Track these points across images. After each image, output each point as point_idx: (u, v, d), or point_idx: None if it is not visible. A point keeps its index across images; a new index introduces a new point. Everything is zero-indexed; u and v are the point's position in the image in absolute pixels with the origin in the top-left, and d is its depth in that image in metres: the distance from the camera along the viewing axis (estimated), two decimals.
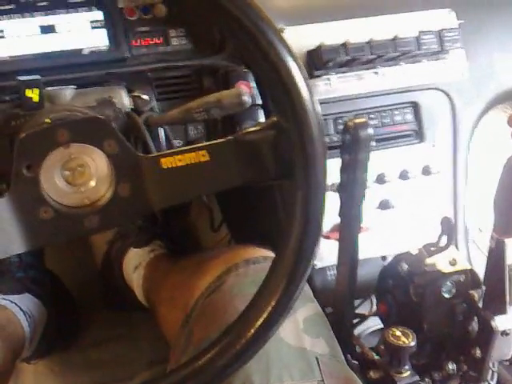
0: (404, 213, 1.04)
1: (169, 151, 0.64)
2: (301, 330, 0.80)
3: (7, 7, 0.90)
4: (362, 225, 0.85)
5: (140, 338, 1.34)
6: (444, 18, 1.04)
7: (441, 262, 0.88)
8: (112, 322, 1.38)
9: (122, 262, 1.34)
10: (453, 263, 0.88)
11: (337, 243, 0.89)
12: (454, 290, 0.88)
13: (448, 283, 0.87)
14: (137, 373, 1.19)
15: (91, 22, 0.93)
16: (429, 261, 0.88)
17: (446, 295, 0.87)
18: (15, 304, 1.15)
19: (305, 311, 0.83)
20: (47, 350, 1.28)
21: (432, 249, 0.87)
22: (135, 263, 1.29)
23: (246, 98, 0.78)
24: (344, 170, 0.78)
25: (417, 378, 0.85)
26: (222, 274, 0.89)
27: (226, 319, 0.70)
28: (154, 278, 1.23)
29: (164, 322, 1.08)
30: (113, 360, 1.32)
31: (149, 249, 1.31)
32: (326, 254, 0.95)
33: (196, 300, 0.88)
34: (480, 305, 0.88)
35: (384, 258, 1.04)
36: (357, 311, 1.02)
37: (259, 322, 0.65)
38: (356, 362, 0.92)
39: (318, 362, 0.77)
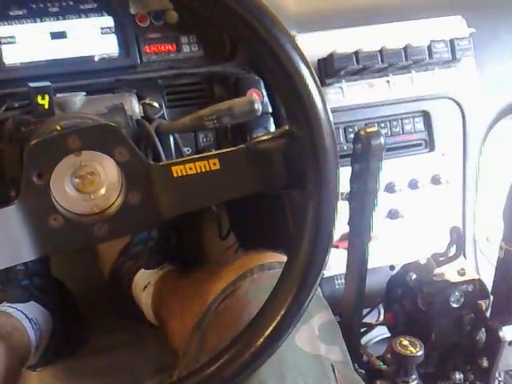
0: (413, 222, 1.04)
1: (180, 159, 0.64)
2: (316, 336, 0.80)
3: (18, 13, 0.90)
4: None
5: (146, 345, 1.33)
6: (455, 26, 1.04)
7: (449, 272, 0.88)
8: (118, 329, 1.37)
9: (131, 282, 1.33)
10: (461, 273, 0.88)
11: (345, 252, 0.89)
12: (462, 300, 0.88)
13: (456, 293, 0.88)
14: (142, 381, 1.19)
15: (102, 28, 0.93)
16: (437, 270, 0.88)
17: (454, 305, 0.88)
18: (21, 312, 1.15)
19: (320, 318, 0.82)
20: (53, 357, 1.28)
21: (441, 259, 0.88)
22: (144, 283, 1.28)
23: (258, 107, 0.78)
24: (354, 179, 0.79)
25: None
26: (236, 279, 0.87)
27: (240, 326, 0.69)
28: (163, 293, 1.22)
29: (174, 333, 1.07)
30: (118, 368, 1.31)
31: (158, 268, 1.30)
32: (335, 263, 0.95)
33: (209, 305, 0.87)
34: (488, 315, 0.89)
35: (392, 267, 1.04)
36: (364, 320, 1.02)
37: (269, 331, 0.65)
38: (363, 371, 0.92)
39: (333, 369, 0.77)
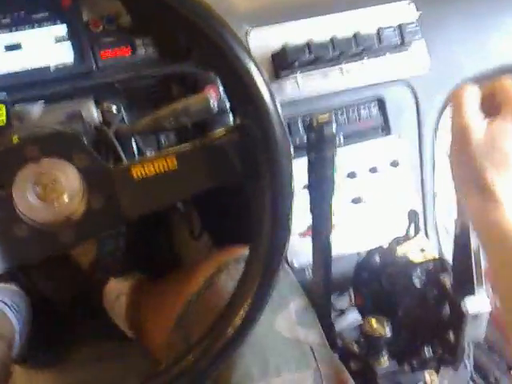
0: (375, 207, 1.05)
1: (137, 159, 0.66)
2: (294, 321, 0.84)
3: None
4: (334, 221, 0.86)
5: (128, 356, 1.33)
6: (404, 11, 1.05)
7: (411, 252, 0.91)
8: (100, 341, 1.38)
9: (102, 294, 1.34)
10: (422, 252, 0.91)
11: None
12: (423, 278, 0.90)
13: (418, 271, 0.89)
14: None
15: (56, 36, 0.93)
16: (399, 252, 0.90)
17: (417, 282, 0.90)
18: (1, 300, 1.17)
19: (296, 304, 0.86)
20: (36, 365, 1.30)
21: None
22: (116, 292, 1.29)
23: (213, 104, 0.79)
24: (311, 168, 0.80)
25: (395, 365, 0.88)
26: (213, 273, 0.90)
27: None
28: (137, 300, 1.23)
29: (151, 334, 1.08)
30: (101, 379, 1.32)
31: (129, 276, 1.31)
32: (304, 252, 0.96)
33: (188, 301, 0.89)
34: (451, 290, 0.90)
35: (359, 254, 1.05)
36: (336, 305, 1.04)
37: (237, 320, 0.67)
38: (337, 355, 0.94)
39: (312, 351, 0.80)
